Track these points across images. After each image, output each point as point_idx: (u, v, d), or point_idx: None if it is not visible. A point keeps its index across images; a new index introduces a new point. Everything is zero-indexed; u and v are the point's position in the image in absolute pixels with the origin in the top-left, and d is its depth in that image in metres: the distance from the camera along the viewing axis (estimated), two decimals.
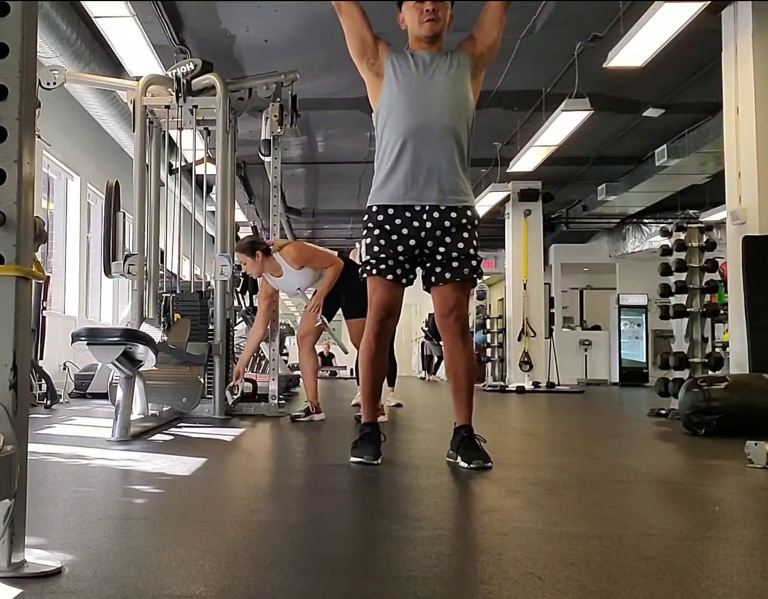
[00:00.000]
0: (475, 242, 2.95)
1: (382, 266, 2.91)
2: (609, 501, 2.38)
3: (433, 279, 2.95)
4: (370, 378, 3.04)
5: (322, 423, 5.02)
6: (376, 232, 2.94)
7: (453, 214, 2.90)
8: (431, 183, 2.89)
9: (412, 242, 2.91)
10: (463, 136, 2.94)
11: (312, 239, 17.99)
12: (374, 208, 2.97)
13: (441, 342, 17.07)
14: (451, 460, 2.95)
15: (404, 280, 2.96)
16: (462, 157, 2.95)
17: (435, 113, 2.89)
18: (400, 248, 2.91)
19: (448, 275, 2.91)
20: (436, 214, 2.89)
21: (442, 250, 2.91)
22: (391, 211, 2.92)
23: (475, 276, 2.94)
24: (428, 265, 2.95)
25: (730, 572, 1.55)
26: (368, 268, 2.95)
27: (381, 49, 2.97)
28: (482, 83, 3.06)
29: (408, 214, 2.90)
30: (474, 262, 2.93)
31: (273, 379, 5.46)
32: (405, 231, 2.91)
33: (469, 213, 2.94)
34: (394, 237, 2.92)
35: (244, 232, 13.05)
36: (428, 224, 2.89)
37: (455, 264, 2.90)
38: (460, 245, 2.90)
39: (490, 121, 8.98)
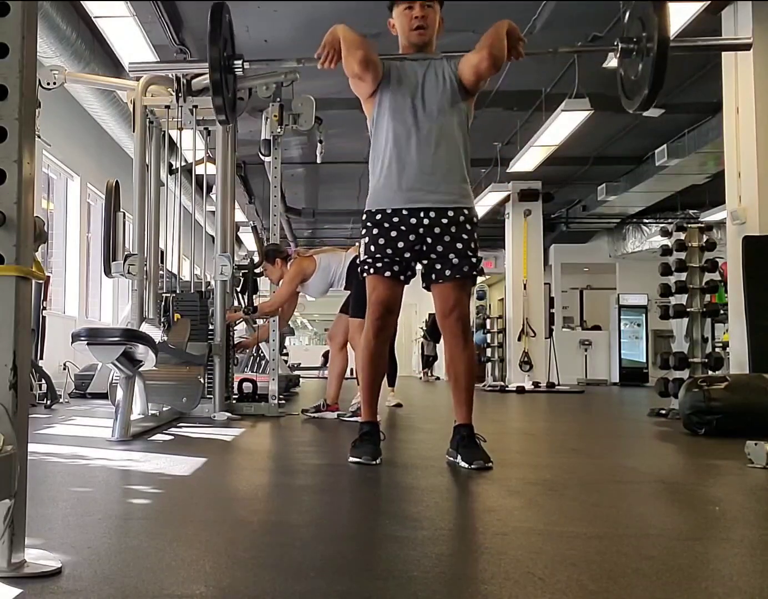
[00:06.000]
0: (473, 242, 2.94)
1: (379, 264, 2.93)
2: (609, 501, 2.38)
3: (433, 276, 2.95)
4: (370, 377, 3.03)
5: (323, 422, 5.03)
6: (375, 231, 2.96)
7: (450, 213, 2.91)
8: (426, 187, 2.90)
9: (411, 237, 2.92)
10: (458, 139, 2.94)
11: (312, 239, 18.03)
12: (372, 210, 2.99)
13: (433, 342, 17.14)
14: (451, 459, 2.94)
15: (402, 277, 2.96)
16: (458, 161, 2.95)
17: (428, 118, 2.90)
18: (400, 244, 2.92)
19: (447, 272, 2.90)
20: (432, 214, 2.90)
21: (440, 248, 2.91)
22: (389, 211, 2.94)
23: (474, 273, 2.94)
24: (427, 262, 2.96)
25: (730, 572, 1.55)
26: (366, 266, 2.97)
27: (379, 65, 2.97)
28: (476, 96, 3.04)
29: (405, 212, 2.92)
30: (474, 260, 2.93)
31: (273, 379, 5.46)
32: (403, 228, 2.92)
33: (466, 212, 2.95)
34: (393, 233, 2.92)
35: (244, 232, 13.12)
36: (425, 221, 2.90)
37: (455, 261, 2.90)
38: (459, 244, 2.91)
39: (490, 121, 8.98)
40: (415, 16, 2.91)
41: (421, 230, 2.91)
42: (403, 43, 3.02)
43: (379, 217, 2.95)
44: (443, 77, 2.94)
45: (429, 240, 2.92)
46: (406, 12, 2.93)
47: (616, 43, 3.01)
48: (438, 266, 2.93)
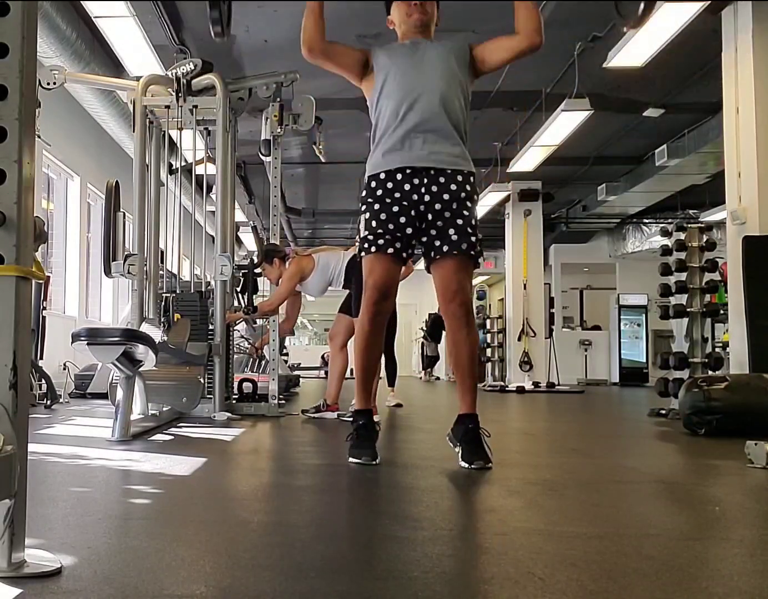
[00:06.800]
0: (473, 220, 2.93)
1: (381, 241, 2.89)
2: (609, 501, 2.38)
3: (432, 253, 2.92)
4: (364, 361, 2.99)
5: (323, 422, 5.03)
6: (376, 206, 2.92)
7: (453, 186, 2.89)
8: (428, 144, 2.89)
9: (413, 212, 2.90)
10: (458, 106, 2.95)
11: (312, 239, 18.03)
12: (373, 183, 2.96)
13: (434, 342, 17.06)
14: (451, 444, 2.94)
15: (404, 254, 2.94)
16: (458, 128, 2.95)
17: (428, 82, 2.92)
18: (402, 219, 2.90)
19: (446, 248, 2.88)
20: (434, 188, 2.89)
21: (440, 223, 2.90)
22: (390, 185, 2.92)
23: (473, 252, 2.90)
24: (426, 239, 2.93)
25: (730, 572, 1.54)
26: (366, 244, 2.93)
27: (366, 55, 3.05)
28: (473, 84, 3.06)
29: (407, 187, 2.90)
30: (473, 239, 2.90)
31: (273, 379, 5.47)
32: (405, 203, 2.90)
33: (468, 187, 2.93)
34: (395, 208, 2.90)
35: (244, 232, 13.12)
36: (427, 197, 2.89)
37: (454, 237, 2.88)
38: (459, 221, 2.89)
39: (490, 121, 8.98)
40: (414, 4, 3.00)
41: (422, 207, 2.89)
42: (403, 31, 3.06)
43: (380, 192, 2.92)
44: (446, 49, 2.98)
45: (430, 217, 2.90)
46: (404, 3, 3.03)
47: None
48: (437, 243, 2.90)
